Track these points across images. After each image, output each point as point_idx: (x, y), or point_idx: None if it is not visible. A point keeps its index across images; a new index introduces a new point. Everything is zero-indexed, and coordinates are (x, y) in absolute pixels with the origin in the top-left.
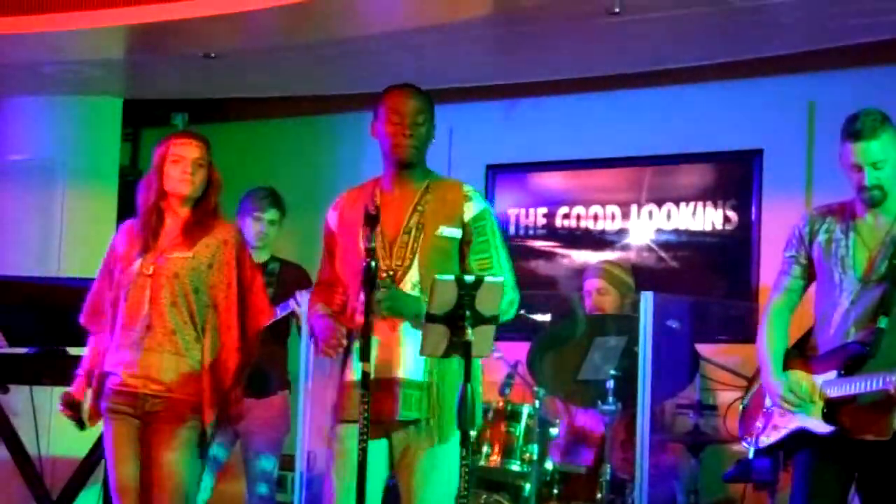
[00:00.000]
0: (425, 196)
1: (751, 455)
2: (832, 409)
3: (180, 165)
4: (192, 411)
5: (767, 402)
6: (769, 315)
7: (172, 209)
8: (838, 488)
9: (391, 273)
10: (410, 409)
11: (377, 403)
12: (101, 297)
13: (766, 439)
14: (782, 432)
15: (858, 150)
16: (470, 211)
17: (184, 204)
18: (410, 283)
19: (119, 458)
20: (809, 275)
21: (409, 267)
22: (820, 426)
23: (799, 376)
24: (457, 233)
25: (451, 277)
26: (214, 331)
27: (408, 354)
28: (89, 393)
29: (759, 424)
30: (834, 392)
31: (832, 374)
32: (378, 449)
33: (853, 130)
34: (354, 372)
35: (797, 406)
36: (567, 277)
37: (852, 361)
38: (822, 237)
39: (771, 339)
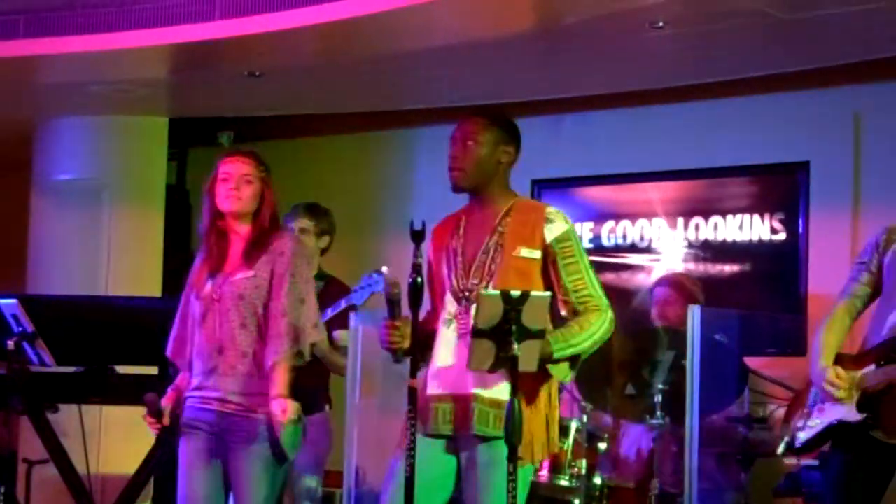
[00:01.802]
0: (506, 218)
1: (780, 450)
2: (869, 401)
3: (228, 183)
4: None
5: (809, 400)
6: (830, 316)
7: (234, 230)
8: (871, 487)
9: (467, 293)
10: (487, 425)
11: (452, 418)
12: (185, 327)
13: (804, 435)
14: (819, 427)
15: None
16: (551, 233)
17: (241, 222)
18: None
19: (192, 474)
20: (877, 284)
21: (487, 287)
22: (853, 415)
23: (844, 369)
24: (535, 254)
25: (497, 292)
26: (271, 338)
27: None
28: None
29: (798, 424)
30: (870, 380)
31: (871, 367)
32: (446, 464)
33: None
34: (433, 387)
35: (840, 392)
36: (614, 291)
37: (892, 352)
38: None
39: (826, 334)
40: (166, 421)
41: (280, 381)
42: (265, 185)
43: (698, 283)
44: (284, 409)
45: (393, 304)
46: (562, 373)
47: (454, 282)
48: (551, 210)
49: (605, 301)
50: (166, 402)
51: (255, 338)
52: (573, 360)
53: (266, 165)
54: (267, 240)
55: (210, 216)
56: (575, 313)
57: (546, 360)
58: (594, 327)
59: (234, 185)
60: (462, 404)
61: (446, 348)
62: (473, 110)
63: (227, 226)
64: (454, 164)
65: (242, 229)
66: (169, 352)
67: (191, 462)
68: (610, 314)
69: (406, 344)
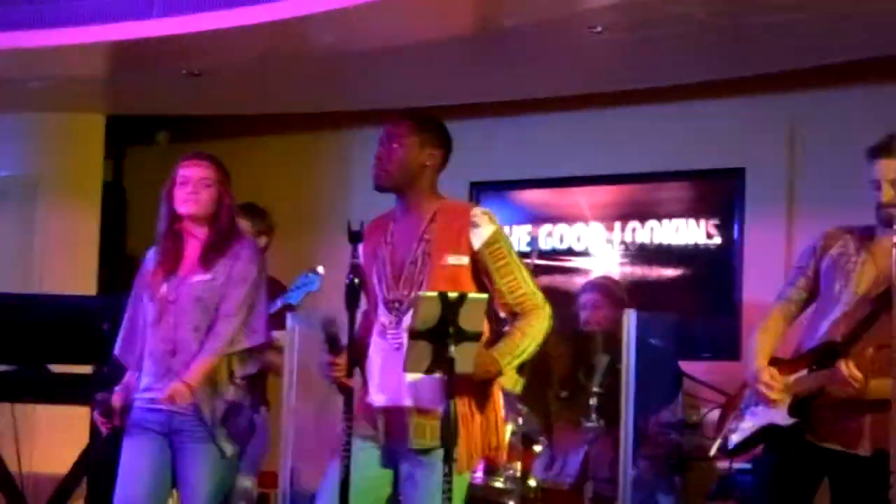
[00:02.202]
0: (431, 224)
1: (713, 451)
2: (800, 405)
3: (186, 187)
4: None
5: (742, 403)
6: (765, 319)
7: (191, 232)
8: (800, 489)
9: (398, 304)
10: (424, 437)
11: (390, 430)
12: (135, 328)
13: (736, 437)
14: (751, 430)
15: (878, 166)
16: (478, 238)
17: (199, 225)
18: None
19: (136, 474)
20: (813, 289)
21: (412, 298)
22: (784, 419)
23: (779, 372)
24: (464, 260)
25: (435, 294)
26: (214, 336)
27: (419, 380)
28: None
29: (731, 426)
30: (802, 385)
31: (804, 372)
32: (383, 471)
33: (877, 147)
34: (377, 398)
35: (773, 393)
36: (551, 294)
37: (823, 357)
38: (834, 251)
39: (761, 336)
40: (117, 420)
41: (194, 369)
42: (223, 188)
43: (623, 286)
44: (175, 392)
45: (332, 340)
46: (510, 382)
47: (385, 292)
48: (476, 212)
49: (540, 297)
50: (117, 402)
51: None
52: (520, 366)
53: (225, 169)
54: (225, 244)
55: (167, 219)
56: (514, 314)
57: (497, 374)
58: (535, 329)
59: (192, 189)
60: (399, 416)
61: (382, 359)
62: (403, 113)
63: (183, 228)
64: (378, 164)
65: (199, 232)
66: (118, 350)
67: (136, 462)
68: (548, 309)
69: (344, 375)
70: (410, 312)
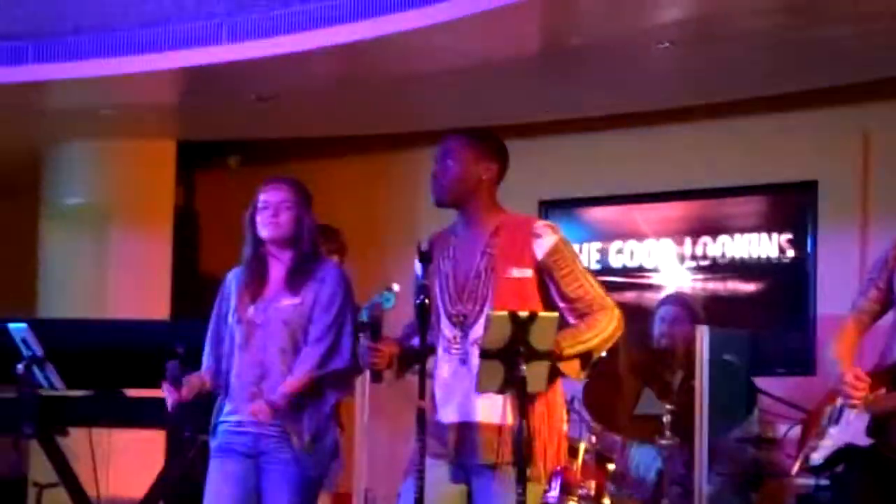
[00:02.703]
0: (494, 238)
1: (795, 469)
2: (878, 425)
3: (267, 210)
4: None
5: (824, 420)
6: (839, 331)
7: (275, 256)
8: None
9: (461, 318)
10: (492, 453)
11: (460, 446)
12: (220, 352)
13: (818, 455)
14: (831, 448)
15: None
16: (541, 248)
17: (282, 249)
18: (483, 327)
19: (222, 498)
20: (885, 301)
21: (481, 312)
22: (862, 439)
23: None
24: (528, 273)
25: (505, 313)
26: (304, 358)
27: (486, 395)
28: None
29: (811, 444)
30: (881, 404)
31: (882, 391)
32: (456, 489)
33: None
34: (443, 413)
35: (859, 393)
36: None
37: None
38: None
39: (839, 345)
40: (185, 392)
41: (281, 391)
42: (303, 210)
43: (700, 303)
44: (258, 410)
45: (374, 325)
46: (573, 371)
47: (448, 306)
48: (538, 224)
49: (609, 301)
50: (189, 379)
51: (294, 362)
52: (585, 359)
53: (305, 192)
54: (311, 267)
55: (252, 243)
56: (582, 316)
57: (557, 357)
58: (601, 325)
59: (272, 213)
60: (468, 432)
61: (448, 373)
62: (457, 130)
63: (268, 252)
64: (435, 181)
65: (283, 256)
66: (210, 381)
67: (222, 484)
68: (617, 312)
69: (385, 365)
70: (475, 327)
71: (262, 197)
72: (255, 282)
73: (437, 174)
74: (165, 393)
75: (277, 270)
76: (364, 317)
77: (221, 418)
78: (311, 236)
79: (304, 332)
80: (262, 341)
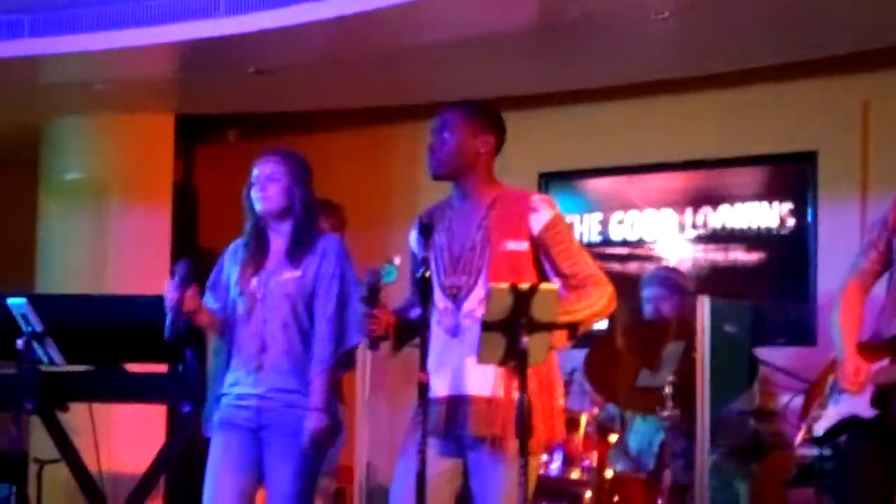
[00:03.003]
0: (490, 211)
1: (798, 440)
2: (882, 396)
3: (257, 185)
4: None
5: (826, 390)
6: (842, 296)
7: (274, 229)
8: (881, 476)
9: (454, 290)
10: (486, 425)
11: (452, 420)
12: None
13: (820, 427)
14: (834, 419)
15: None
16: (538, 222)
17: (279, 221)
18: (476, 299)
19: (225, 470)
20: (885, 261)
21: (475, 284)
22: (866, 410)
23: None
24: (523, 245)
25: (506, 285)
26: (320, 342)
27: (476, 368)
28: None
29: (814, 415)
30: (885, 376)
31: (885, 362)
32: (452, 462)
33: None
34: (434, 389)
35: (857, 388)
36: (624, 284)
37: None
38: None
39: (845, 318)
40: (189, 294)
41: (318, 392)
42: (294, 181)
43: (686, 275)
44: (313, 428)
45: (371, 292)
46: (560, 341)
47: (442, 278)
48: (535, 198)
49: (604, 277)
50: (196, 294)
51: (298, 337)
52: (572, 330)
53: (299, 162)
54: (309, 238)
55: (251, 218)
56: (573, 289)
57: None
58: (593, 299)
59: (261, 186)
60: (460, 405)
61: (441, 346)
62: (454, 103)
63: (267, 225)
64: (431, 153)
65: (282, 228)
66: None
67: (224, 457)
68: (610, 288)
69: (382, 330)
70: (468, 299)
71: (253, 171)
72: (256, 255)
73: (434, 147)
74: (167, 291)
75: (277, 243)
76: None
77: (223, 390)
78: (306, 207)
79: (306, 305)
80: (264, 314)
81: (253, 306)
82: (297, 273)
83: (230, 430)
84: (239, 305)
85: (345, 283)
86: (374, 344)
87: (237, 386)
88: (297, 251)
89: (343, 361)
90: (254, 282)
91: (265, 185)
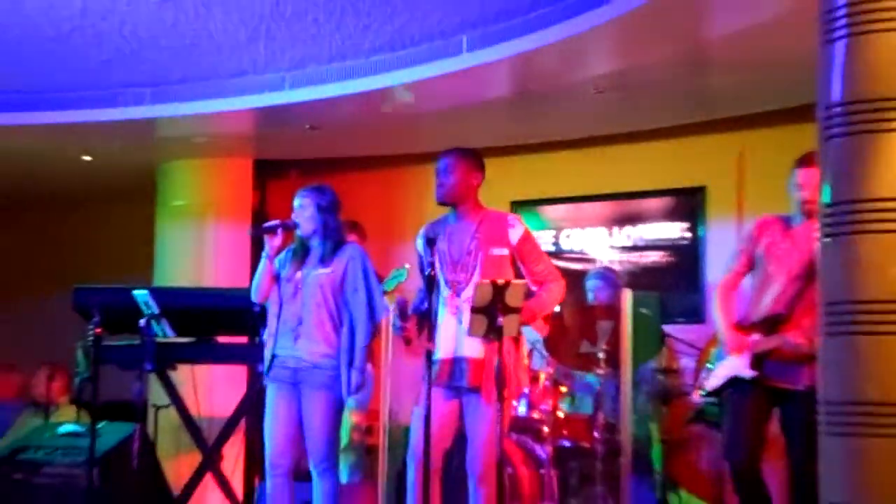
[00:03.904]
0: (480, 227)
1: (696, 394)
2: (757, 361)
3: (294, 213)
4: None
5: (709, 363)
6: (719, 290)
7: (312, 241)
8: (756, 417)
9: (455, 284)
10: (475, 379)
11: (452, 374)
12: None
13: (711, 384)
14: (721, 380)
15: (801, 174)
16: (515, 236)
17: (313, 236)
18: (471, 290)
19: (276, 413)
20: (749, 264)
21: (470, 279)
22: (746, 372)
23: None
24: (505, 251)
25: (488, 281)
26: (357, 323)
27: (469, 339)
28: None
29: (703, 376)
30: (759, 346)
31: (758, 336)
32: (452, 406)
33: (800, 160)
34: (439, 352)
35: (737, 355)
36: (571, 280)
37: (771, 325)
38: (765, 240)
39: (722, 307)
40: (278, 242)
41: (360, 358)
42: (318, 208)
43: (618, 272)
44: (357, 383)
45: (402, 312)
46: (543, 329)
47: (447, 275)
48: (511, 217)
49: (558, 273)
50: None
51: (326, 315)
52: (546, 317)
53: (325, 195)
54: (336, 248)
55: (298, 234)
56: (540, 283)
57: (532, 322)
58: (555, 293)
59: (295, 216)
60: (457, 364)
61: (444, 323)
62: (452, 149)
63: (307, 238)
64: (440, 187)
65: (315, 241)
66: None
67: (273, 406)
68: (563, 282)
69: (410, 336)
70: (466, 290)
71: (294, 202)
72: (300, 257)
73: (443, 183)
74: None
75: (315, 250)
76: (387, 287)
77: (274, 352)
78: (331, 228)
79: (333, 293)
80: (303, 297)
81: (296, 292)
82: (328, 270)
83: (277, 384)
84: (286, 289)
85: (368, 277)
86: (407, 342)
87: (282, 350)
88: (326, 256)
89: (373, 332)
90: (298, 275)
91: (298, 215)
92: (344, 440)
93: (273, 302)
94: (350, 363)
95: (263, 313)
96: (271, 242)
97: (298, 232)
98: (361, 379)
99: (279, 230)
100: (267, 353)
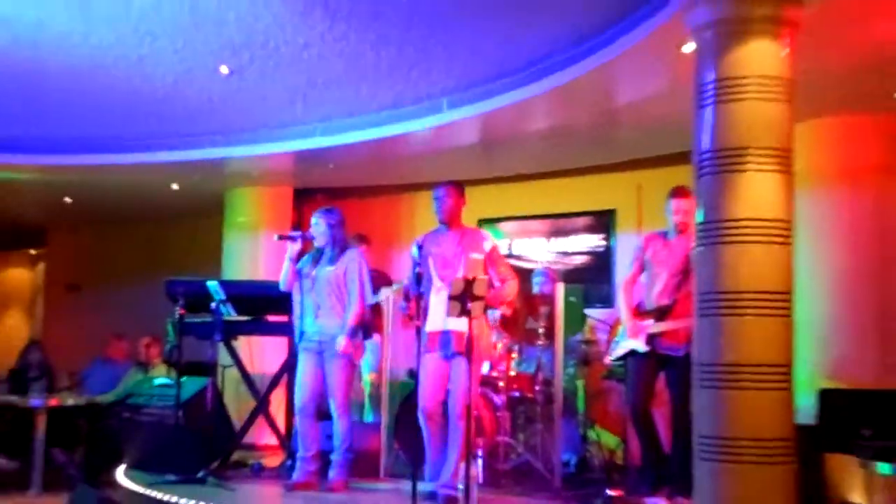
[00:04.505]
0: (463, 239)
1: (607, 359)
2: (650, 339)
3: (311, 229)
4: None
5: (617, 338)
6: (623, 286)
7: (324, 248)
8: (648, 377)
9: (444, 278)
10: (458, 347)
11: (442, 343)
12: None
13: (617, 353)
14: (625, 350)
15: (673, 202)
16: (488, 245)
17: (325, 245)
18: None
19: (305, 371)
20: (641, 268)
21: (454, 275)
22: (642, 347)
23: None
24: (480, 256)
25: (461, 276)
26: (349, 305)
27: (452, 318)
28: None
29: (613, 347)
30: (651, 329)
31: (651, 321)
32: (443, 367)
33: (672, 191)
34: (430, 327)
35: (636, 335)
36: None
37: (661, 313)
38: (650, 251)
39: (626, 301)
40: (299, 245)
41: (350, 327)
42: (328, 224)
43: (559, 272)
44: (342, 344)
45: (406, 296)
46: (507, 312)
47: (439, 271)
48: (483, 233)
49: (514, 273)
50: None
51: (336, 300)
52: (510, 303)
53: (334, 214)
54: (341, 253)
55: (315, 243)
56: (503, 280)
57: (501, 305)
58: (513, 287)
59: (312, 231)
60: (443, 336)
61: (434, 306)
62: (446, 182)
63: (322, 247)
64: (441, 211)
65: (327, 248)
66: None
67: (305, 365)
68: (517, 279)
69: (413, 313)
70: (451, 283)
71: (311, 220)
72: (317, 259)
73: (443, 208)
74: (295, 239)
75: (326, 255)
76: (379, 298)
77: (302, 329)
78: (338, 239)
79: (340, 285)
80: (319, 288)
81: (313, 285)
82: (334, 268)
83: (305, 353)
84: (306, 283)
85: (361, 274)
86: (410, 318)
87: (310, 326)
88: (334, 258)
89: (368, 313)
90: (314, 272)
91: (314, 230)
92: (367, 392)
93: (296, 291)
94: (345, 327)
95: (289, 297)
96: (293, 247)
97: (314, 242)
98: (349, 343)
99: (298, 239)
100: (297, 330)
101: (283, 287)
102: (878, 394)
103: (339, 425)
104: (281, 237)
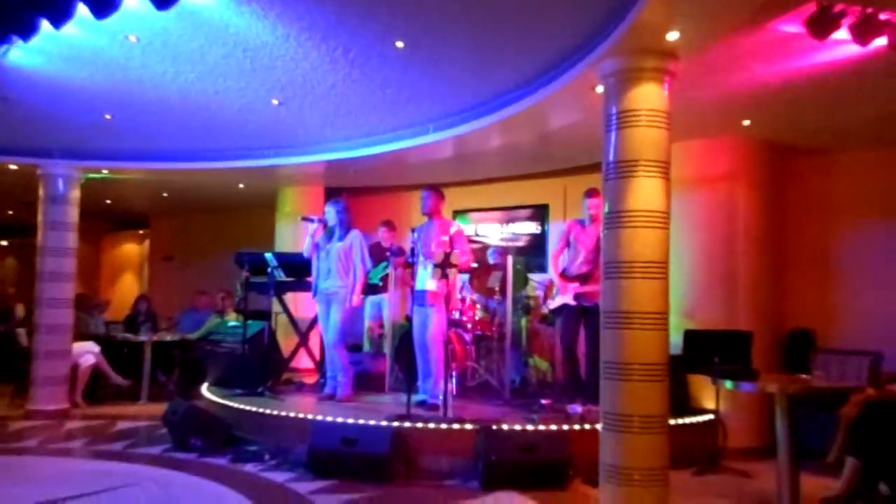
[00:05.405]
0: (440, 227)
1: (544, 309)
2: (576, 296)
3: (325, 214)
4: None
5: (554, 292)
6: (552, 258)
7: (335, 228)
8: (574, 322)
9: (427, 254)
10: (433, 300)
11: (423, 299)
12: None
13: (552, 305)
14: (558, 303)
15: (589, 201)
16: (453, 229)
17: (335, 226)
18: (434, 257)
19: (321, 313)
20: (566, 246)
21: (435, 252)
22: (571, 301)
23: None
24: (447, 238)
25: (441, 251)
26: (354, 272)
27: (429, 280)
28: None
29: (549, 303)
30: (578, 289)
31: (577, 284)
32: (424, 315)
33: (587, 192)
34: (418, 286)
35: (564, 293)
36: (482, 251)
37: (583, 278)
38: (573, 233)
39: (555, 268)
40: (319, 230)
41: (358, 287)
42: (337, 211)
43: (508, 249)
44: (354, 300)
45: (410, 264)
46: (471, 272)
47: (424, 249)
48: (453, 222)
49: (471, 252)
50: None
51: (342, 267)
52: (470, 269)
53: (338, 204)
54: (348, 231)
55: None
56: (464, 255)
57: (466, 269)
58: (470, 260)
59: (325, 215)
60: (427, 293)
61: (420, 272)
62: (429, 185)
63: (331, 228)
64: (423, 207)
65: (336, 228)
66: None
67: (322, 312)
68: (472, 256)
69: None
70: (432, 257)
71: (325, 209)
72: (330, 235)
73: (428, 207)
74: (313, 220)
75: (336, 233)
76: (375, 277)
77: (316, 285)
78: (344, 222)
79: (346, 255)
80: (330, 258)
81: (327, 254)
82: (342, 244)
83: (321, 302)
84: (322, 252)
85: (362, 249)
86: (407, 265)
87: (322, 283)
88: (342, 236)
89: (368, 276)
90: (327, 246)
91: (327, 214)
92: (365, 335)
93: (315, 258)
94: (353, 289)
95: (309, 262)
96: (311, 227)
97: (328, 223)
98: (357, 297)
99: (315, 221)
100: (314, 286)
101: (305, 254)
102: (724, 333)
103: (337, 355)
104: (304, 218)
